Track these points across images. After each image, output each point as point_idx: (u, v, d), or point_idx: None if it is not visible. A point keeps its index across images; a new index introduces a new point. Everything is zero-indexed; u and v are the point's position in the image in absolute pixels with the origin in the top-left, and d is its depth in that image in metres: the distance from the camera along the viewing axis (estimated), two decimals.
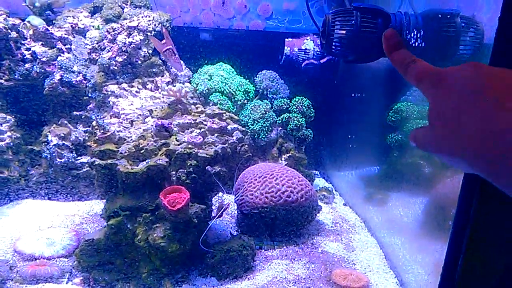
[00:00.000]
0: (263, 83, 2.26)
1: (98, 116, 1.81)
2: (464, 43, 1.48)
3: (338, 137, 2.36)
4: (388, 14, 1.56)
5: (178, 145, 1.52)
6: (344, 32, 1.55)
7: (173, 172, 1.49)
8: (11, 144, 1.88)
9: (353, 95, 2.16)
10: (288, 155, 2.15)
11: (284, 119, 2.15)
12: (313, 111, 2.23)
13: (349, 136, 2.24)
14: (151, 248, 1.42)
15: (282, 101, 2.21)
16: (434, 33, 1.49)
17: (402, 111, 2.11)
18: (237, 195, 1.73)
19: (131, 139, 1.54)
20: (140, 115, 1.69)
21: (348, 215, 2.05)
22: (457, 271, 1.22)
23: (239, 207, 1.74)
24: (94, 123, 1.64)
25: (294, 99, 2.24)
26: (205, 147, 1.52)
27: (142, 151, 1.51)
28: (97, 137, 1.54)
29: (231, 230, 1.74)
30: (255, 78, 2.30)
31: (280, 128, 2.19)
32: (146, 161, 1.47)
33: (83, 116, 2.01)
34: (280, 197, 1.70)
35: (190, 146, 1.51)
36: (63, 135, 1.93)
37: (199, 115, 1.66)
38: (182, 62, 1.96)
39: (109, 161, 1.48)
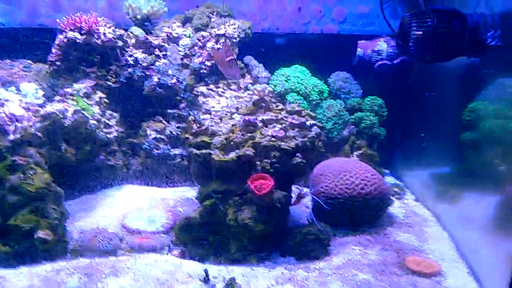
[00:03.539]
0: (336, 83, 2.39)
1: (192, 113, 2.04)
2: None
3: (411, 136, 2.42)
4: (464, 14, 1.62)
5: (263, 138, 1.70)
6: (420, 33, 1.65)
7: (258, 162, 1.68)
8: (117, 136, 2.19)
9: (427, 94, 2.22)
10: (360, 152, 2.26)
11: (357, 118, 2.27)
12: (386, 110, 2.33)
13: (422, 135, 2.30)
14: (240, 227, 1.61)
15: (355, 100, 2.33)
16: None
17: (479, 110, 2.13)
18: (312, 187, 1.88)
19: (222, 133, 1.76)
20: (227, 112, 1.91)
21: (420, 210, 2.11)
22: None
23: (314, 198, 1.88)
24: (190, 118, 1.87)
25: (367, 98, 2.35)
26: (287, 140, 1.70)
27: (231, 143, 1.71)
28: (193, 131, 1.78)
29: (307, 218, 1.89)
30: (328, 78, 2.44)
31: (353, 126, 2.31)
32: (235, 151, 1.68)
33: (176, 114, 2.28)
34: (354, 189, 1.83)
35: (273, 139, 1.69)
36: (159, 129, 2.22)
37: (280, 112, 1.84)
38: (261, 65, 2.16)
39: (204, 151, 1.71)
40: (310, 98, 2.28)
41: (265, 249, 1.68)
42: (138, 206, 2.01)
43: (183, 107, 2.28)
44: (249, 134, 1.73)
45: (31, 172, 1.68)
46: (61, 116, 1.85)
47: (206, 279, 1.48)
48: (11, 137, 1.70)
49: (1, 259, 1.60)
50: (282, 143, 1.68)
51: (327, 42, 2.61)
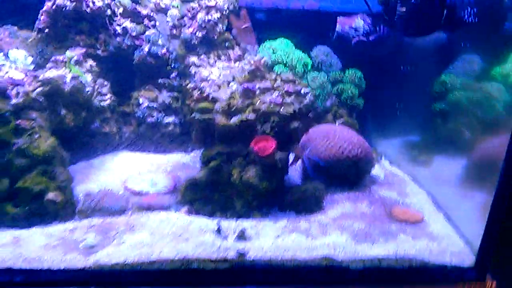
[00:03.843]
0: (319, 57, 2.54)
1: (193, 80, 2.10)
2: (510, 19, 1.74)
3: (386, 107, 2.63)
4: None
5: (262, 104, 1.82)
6: (404, 9, 1.82)
7: (259, 126, 1.80)
8: (110, 104, 2.22)
9: (402, 68, 2.42)
10: (341, 121, 2.43)
11: (339, 89, 2.44)
12: (365, 82, 2.51)
13: (397, 105, 2.52)
14: (245, 186, 1.74)
15: (337, 73, 2.50)
16: (485, 10, 1.75)
17: (447, 82, 2.37)
18: (305, 150, 2.03)
19: (222, 99, 1.85)
20: (224, 81, 2.00)
21: (397, 172, 2.34)
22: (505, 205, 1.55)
23: (307, 161, 2.04)
24: (189, 86, 1.95)
25: (348, 71, 2.52)
26: (285, 106, 1.83)
27: (232, 109, 1.82)
28: (195, 97, 1.86)
29: (302, 179, 2.05)
30: (311, 52, 2.58)
31: (335, 97, 2.48)
32: (238, 116, 1.79)
33: (166, 84, 2.33)
34: (343, 152, 2.00)
35: (272, 105, 1.82)
36: (151, 98, 2.26)
37: (275, 81, 1.96)
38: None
39: (207, 116, 1.81)
40: (296, 70, 2.42)
41: (266, 205, 1.82)
42: (137, 170, 2.07)
43: (173, 77, 2.33)
44: (248, 101, 1.85)
45: (36, 136, 1.70)
46: (61, 82, 1.86)
47: (219, 231, 1.60)
48: (14, 101, 1.70)
49: (12, 221, 1.63)
50: (281, 109, 1.81)
51: (308, 18, 2.74)
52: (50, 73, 1.84)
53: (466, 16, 1.78)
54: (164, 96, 2.29)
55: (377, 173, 2.25)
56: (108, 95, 2.20)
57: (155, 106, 2.25)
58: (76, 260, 1.47)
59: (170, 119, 2.27)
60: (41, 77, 1.82)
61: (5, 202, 1.64)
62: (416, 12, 1.82)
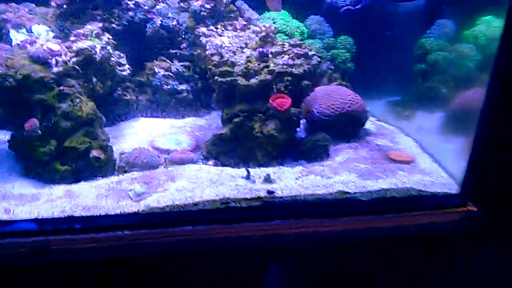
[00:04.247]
0: (313, 26, 2.80)
1: (213, 46, 2.29)
2: None
3: (373, 69, 2.93)
4: None
5: (276, 66, 2.07)
6: None
7: (274, 86, 2.06)
8: (128, 74, 2.40)
9: (388, 33, 2.72)
10: (337, 83, 2.71)
11: (333, 54, 2.72)
12: (355, 47, 2.80)
13: (382, 68, 2.82)
14: (265, 138, 2.00)
15: (331, 39, 2.77)
16: None
17: (425, 45, 2.69)
18: (312, 107, 2.30)
19: (240, 63, 2.09)
20: (237, 47, 2.23)
21: (386, 126, 2.66)
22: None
23: (312, 116, 2.31)
24: (207, 52, 2.16)
25: (340, 37, 2.79)
26: (296, 67, 2.08)
27: (250, 71, 2.06)
28: (216, 62, 2.08)
29: (307, 132, 2.33)
30: (305, 21, 2.83)
31: (329, 62, 2.75)
32: (256, 77, 2.03)
33: (178, 54, 2.53)
34: (343, 108, 2.29)
35: (284, 66, 2.07)
36: (166, 68, 2.46)
37: (284, 45, 2.21)
38: (250, 8, 2.49)
39: (228, 78, 2.04)
40: (295, 38, 2.66)
41: (282, 154, 2.09)
42: (161, 132, 2.29)
43: (184, 47, 2.53)
44: (263, 63, 2.09)
45: (78, 100, 1.89)
46: (92, 52, 2.04)
47: (248, 176, 1.86)
48: (55, 69, 1.88)
49: (62, 177, 1.84)
50: (293, 69, 2.06)
51: None
52: (83, 43, 2.01)
53: None
54: (177, 66, 2.50)
55: (369, 127, 2.57)
56: (127, 66, 2.38)
57: (170, 74, 2.45)
58: (129, 206, 1.70)
59: (183, 86, 2.49)
60: (74, 47, 1.98)
61: (54, 161, 1.84)
62: None
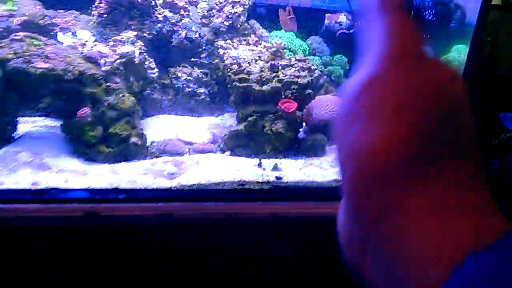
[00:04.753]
0: (313, 45, 3.25)
1: (234, 58, 2.70)
2: (454, 20, 2.53)
3: None
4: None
5: (285, 76, 2.49)
6: None
7: (283, 92, 2.47)
8: (156, 76, 2.79)
9: None
10: (331, 94, 3.15)
11: (330, 70, 3.16)
12: (348, 65, 3.25)
13: None
14: (274, 135, 2.40)
15: (328, 57, 3.21)
16: (438, 12, 2.53)
17: None
18: (311, 112, 2.72)
19: (255, 72, 2.50)
20: (252, 59, 2.64)
21: None
22: None
23: (312, 120, 2.73)
24: (226, 62, 2.57)
25: (336, 56, 3.24)
26: (301, 78, 2.51)
27: (263, 79, 2.47)
28: (234, 70, 2.49)
29: (305, 133, 2.74)
30: (307, 41, 3.28)
31: (326, 76, 3.19)
32: (268, 84, 2.45)
33: (198, 62, 2.93)
34: (336, 113, 2.71)
35: (292, 77, 2.49)
36: (188, 73, 2.86)
37: (291, 60, 2.64)
38: (261, 27, 2.92)
39: (244, 84, 2.45)
40: (298, 54, 3.11)
41: (286, 150, 2.50)
42: (183, 127, 2.67)
43: (204, 57, 2.94)
44: (274, 74, 2.51)
45: (121, 95, 2.27)
46: (132, 56, 2.43)
47: (260, 165, 2.26)
48: (103, 68, 2.26)
49: (105, 158, 2.20)
50: (299, 80, 2.49)
51: (303, 13, 3.43)
52: (124, 48, 2.40)
53: (427, 16, 2.54)
54: (197, 72, 2.90)
55: None
56: (155, 69, 2.77)
57: (191, 79, 2.85)
58: (164, 182, 2.08)
59: (201, 90, 2.88)
60: (118, 51, 2.37)
61: (100, 144, 2.20)
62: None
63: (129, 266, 2.00)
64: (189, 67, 2.91)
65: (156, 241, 2.10)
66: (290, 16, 2.48)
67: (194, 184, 2.09)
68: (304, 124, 2.64)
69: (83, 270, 1.95)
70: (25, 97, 2.15)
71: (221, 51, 2.86)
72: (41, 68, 1.97)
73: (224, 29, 2.91)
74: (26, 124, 2.33)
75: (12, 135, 2.21)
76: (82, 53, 2.24)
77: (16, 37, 2.14)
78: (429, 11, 2.55)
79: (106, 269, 1.97)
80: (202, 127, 2.74)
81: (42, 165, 2.09)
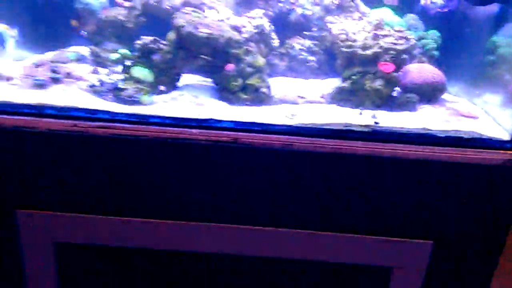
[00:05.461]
0: (409, 21, 3.72)
1: (323, 33, 3.31)
2: None
3: (453, 58, 3.77)
4: None
5: (385, 43, 3.03)
6: None
7: (382, 56, 3.02)
8: (276, 46, 3.49)
9: (466, 30, 3.56)
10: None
11: (423, 43, 3.62)
12: (440, 39, 3.67)
13: (461, 57, 3.65)
14: (373, 91, 2.96)
15: (421, 32, 3.67)
16: None
17: (495, 41, 3.49)
18: (405, 75, 3.22)
19: (360, 40, 3.07)
20: (358, 30, 3.21)
21: (458, 98, 3.50)
22: None
23: (405, 83, 3.22)
24: (337, 31, 3.18)
25: (429, 31, 3.68)
26: (398, 45, 3.03)
27: (366, 45, 3.04)
28: (342, 38, 3.09)
29: (398, 93, 3.25)
30: (403, 18, 3.75)
31: (419, 48, 3.65)
32: (370, 49, 3.01)
33: (309, 35, 3.58)
34: (428, 78, 3.19)
35: (391, 44, 3.02)
36: (301, 44, 3.52)
37: (390, 31, 3.16)
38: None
39: (350, 49, 3.04)
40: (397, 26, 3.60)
41: (382, 105, 3.04)
42: (295, 86, 3.34)
43: (314, 31, 3.57)
44: (375, 41, 3.06)
45: (256, 56, 2.99)
46: (263, 28, 3.14)
47: (361, 113, 2.85)
48: (244, 35, 2.99)
49: (243, 103, 2.94)
50: (396, 46, 3.01)
51: None
52: (257, 21, 3.12)
53: None
54: (308, 43, 3.54)
55: (445, 96, 3.43)
56: (276, 40, 3.46)
57: (303, 48, 3.51)
58: (287, 120, 2.75)
59: (312, 58, 3.52)
60: (253, 23, 3.10)
61: (240, 92, 2.94)
62: None
63: (263, 180, 2.69)
64: (302, 39, 3.56)
65: (280, 164, 2.77)
66: None
67: (308, 123, 2.74)
68: (399, 84, 3.16)
69: (225, 182, 2.67)
70: (189, 56, 2.96)
71: (329, 26, 3.46)
72: (206, 32, 2.75)
73: (333, 7, 3.51)
74: (187, 77, 3.17)
75: (177, 84, 3.05)
76: (229, 24, 3.00)
77: (184, 11, 2.96)
78: None
79: (242, 183, 2.68)
80: (311, 87, 3.38)
81: (200, 104, 2.89)
